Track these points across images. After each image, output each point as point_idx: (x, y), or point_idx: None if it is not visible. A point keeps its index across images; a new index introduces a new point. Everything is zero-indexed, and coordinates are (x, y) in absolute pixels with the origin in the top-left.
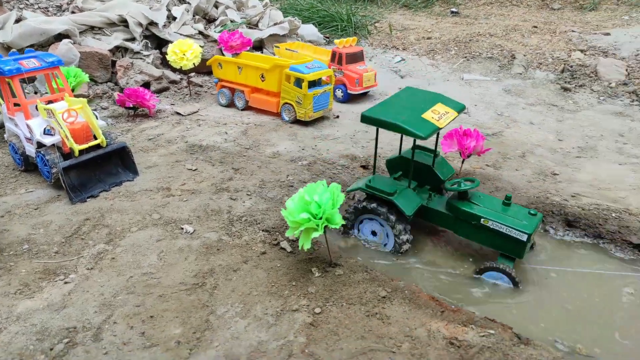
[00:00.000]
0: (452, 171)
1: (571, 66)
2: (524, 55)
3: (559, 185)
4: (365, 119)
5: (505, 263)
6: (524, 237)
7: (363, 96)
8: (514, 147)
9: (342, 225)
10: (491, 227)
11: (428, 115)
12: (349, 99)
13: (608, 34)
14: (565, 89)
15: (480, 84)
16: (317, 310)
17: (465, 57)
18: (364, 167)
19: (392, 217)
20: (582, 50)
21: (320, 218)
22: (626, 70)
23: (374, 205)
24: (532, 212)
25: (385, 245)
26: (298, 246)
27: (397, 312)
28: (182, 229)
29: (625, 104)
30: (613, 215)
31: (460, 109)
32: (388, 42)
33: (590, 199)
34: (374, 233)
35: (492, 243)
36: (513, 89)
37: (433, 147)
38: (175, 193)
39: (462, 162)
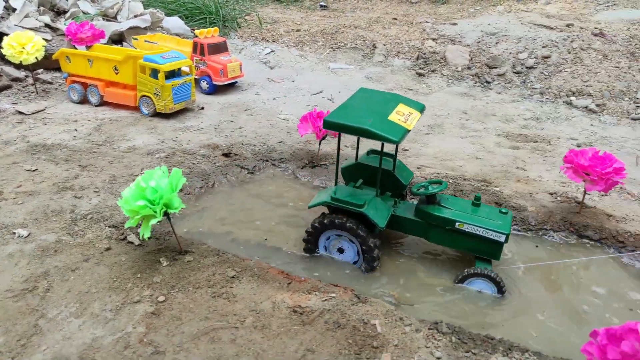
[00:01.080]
0: (412, 175)
1: (424, 53)
2: (384, 45)
3: (408, 160)
4: (328, 124)
5: (484, 267)
6: (502, 238)
7: (230, 87)
8: None
9: (304, 241)
10: (467, 230)
11: (394, 117)
12: (215, 90)
13: (455, 24)
14: (420, 75)
15: (345, 72)
16: (161, 298)
17: (332, 48)
18: (225, 155)
19: (362, 232)
20: (434, 39)
21: (158, 204)
22: (469, 55)
23: (342, 220)
24: (502, 210)
25: (355, 263)
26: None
27: (244, 289)
28: (14, 233)
29: (469, 85)
30: (450, 181)
31: (421, 108)
32: (258, 34)
33: (433, 169)
34: (340, 250)
35: (468, 247)
36: (374, 76)
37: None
38: (9, 196)
39: (319, 143)
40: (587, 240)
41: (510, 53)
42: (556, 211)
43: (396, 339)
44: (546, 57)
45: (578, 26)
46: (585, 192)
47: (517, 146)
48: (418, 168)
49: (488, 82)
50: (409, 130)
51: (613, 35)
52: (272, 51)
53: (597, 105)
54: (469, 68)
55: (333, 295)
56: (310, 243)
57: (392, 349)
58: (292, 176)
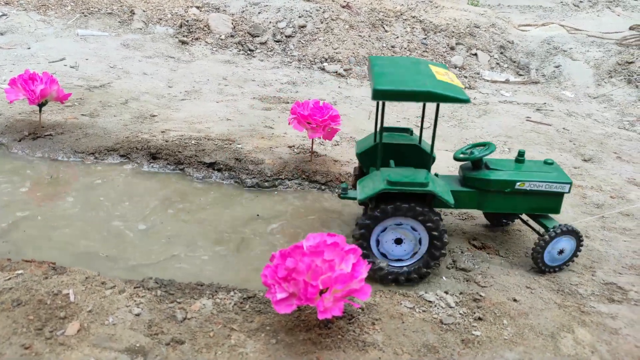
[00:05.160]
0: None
1: (187, 21)
2: (144, 11)
3: (154, 125)
4: (381, 93)
5: (555, 224)
6: (567, 188)
7: None
8: (119, 96)
9: (357, 240)
10: (528, 189)
11: (441, 78)
12: None
13: None
14: (183, 42)
15: (97, 40)
16: None
17: (83, 13)
18: None
19: (433, 214)
20: (198, 7)
21: None
22: (232, 23)
23: (410, 204)
24: (548, 161)
25: (413, 255)
26: None
27: None
28: None
29: (233, 53)
30: (193, 142)
31: (446, 67)
32: None
33: (178, 132)
34: (398, 241)
35: (529, 207)
36: (132, 44)
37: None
38: None
39: (40, 109)
40: (316, 185)
41: (270, 22)
42: (291, 161)
43: (92, 304)
44: (302, 27)
45: None
46: (312, 142)
47: (270, 107)
48: (162, 132)
49: (251, 50)
50: (461, 89)
51: (358, 8)
52: (4, 14)
53: (345, 70)
54: (232, 36)
55: (20, 272)
56: (365, 239)
57: (85, 316)
58: (5, 151)
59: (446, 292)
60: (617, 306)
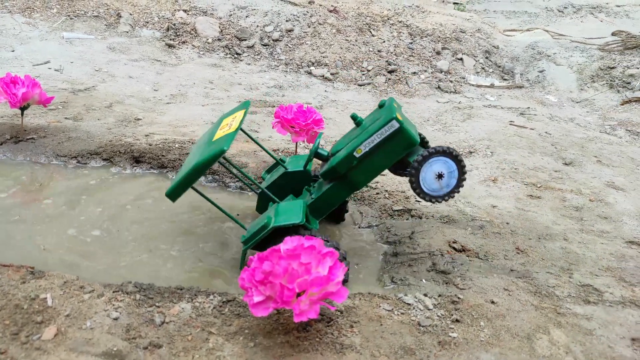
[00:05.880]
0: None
1: (174, 24)
2: (131, 14)
3: (138, 129)
4: (171, 196)
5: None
6: (396, 125)
7: None
8: (104, 99)
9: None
10: (367, 150)
11: (219, 134)
12: None
13: None
14: (170, 46)
15: (82, 43)
16: None
17: (69, 16)
18: None
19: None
20: (185, 10)
21: None
22: (219, 27)
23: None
24: (381, 103)
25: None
26: None
27: None
28: None
29: (220, 56)
30: (177, 146)
31: (246, 105)
32: None
33: (162, 136)
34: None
35: (385, 162)
36: (118, 47)
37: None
38: None
39: (22, 113)
40: None
41: (257, 26)
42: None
43: (69, 308)
44: (290, 31)
45: (318, 3)
46: (296, 145)
47: (255, 111)
48: (146, 136)
49: (238, 54)
50: (236, 131)
51: (345, 13)
52: None
53: (332, 74)
54: (219, 40)
55: None
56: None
57: (62, 320)
58: None
59: (425, 295)
60: (593, 307)
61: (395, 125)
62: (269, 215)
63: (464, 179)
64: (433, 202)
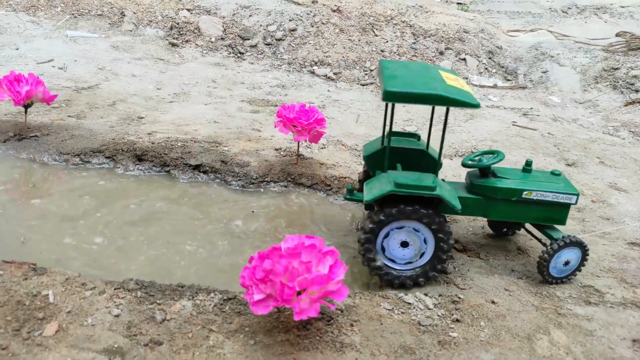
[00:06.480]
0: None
1: (178, 23)
2: (134, 13)
3: (141, 127)
4: (392, 95)
5: (560, 235)
6: (574, 200)
7: None
8: (107, 97)
9: (363, 245)
10: (535, 198)
11: (451, 82)
12: None
13: None
14: (173, 45)
15: (86, 41)
16: None
17: (73, 14)
18: None
19: (438, 216)
20: (188, 9)
21: None
22: (223, 26)
23: (415, 206)
24: (555, 172)
25: (421, 256)
26: None
27: None
28: None
29: (223, 56)
30: (179, 144)
31: (455, 73)
32: None
33: (164, 134)
34: (404, 244)
35: (535, 216)
36: (121, 45)
37: None
38: None
39: (26, 110)
40: (302, 187)
41: (261, 25)
42: (277, 164)
43: (71, 305)
44: (293, 30)
45: (322, 3)
46: (299, 145)
47: (258, 110)
48: (149, 134)
49: (242, 53)
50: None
51: (348, 12)
52: None
53: (335, 74)
54: (222, 39)
55: (1, 272)
56: (371, 243)
57: (64, 317)
58: None
59: (425, 294)
60: (593, 308)
61: (573, 199)
62: (433, 179)
63: (584, 265)
64: (550, 282)
